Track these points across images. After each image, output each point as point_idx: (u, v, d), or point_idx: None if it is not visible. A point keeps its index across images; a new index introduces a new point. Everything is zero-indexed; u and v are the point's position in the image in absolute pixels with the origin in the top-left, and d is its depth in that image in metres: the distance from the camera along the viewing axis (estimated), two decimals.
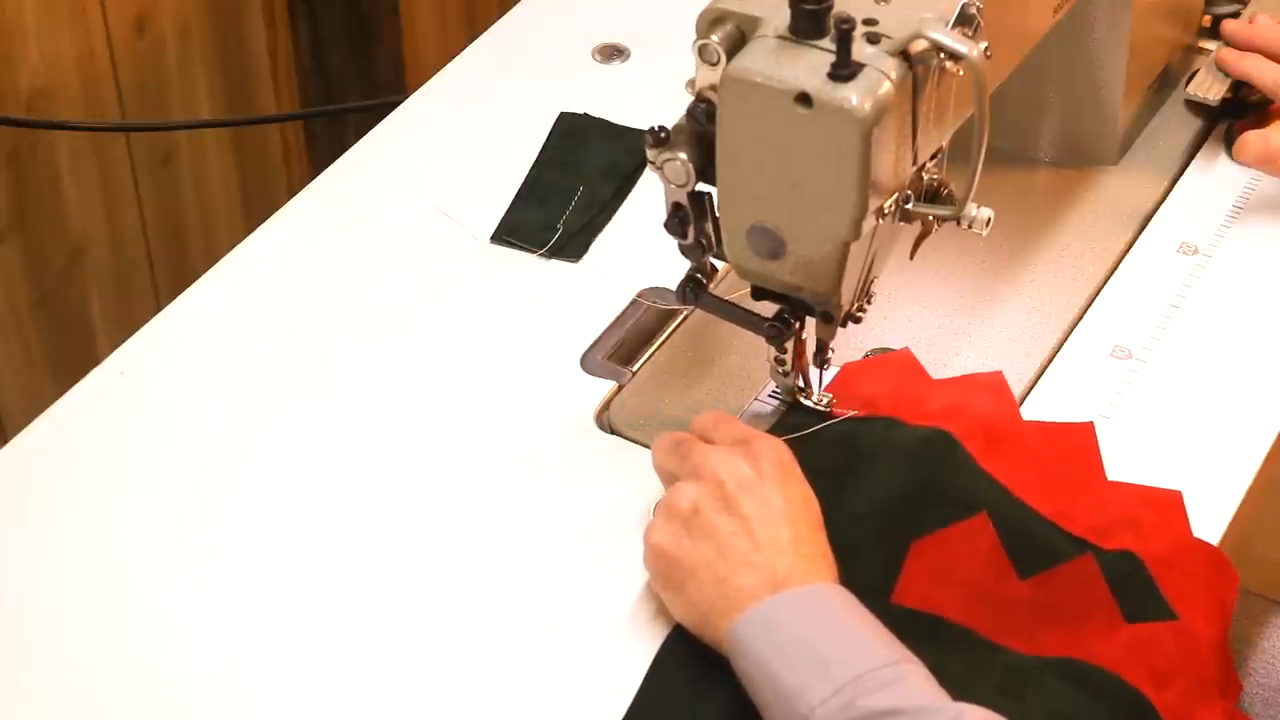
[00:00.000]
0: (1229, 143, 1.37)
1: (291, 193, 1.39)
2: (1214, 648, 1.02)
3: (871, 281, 1.08)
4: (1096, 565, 1.04)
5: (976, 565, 1.04)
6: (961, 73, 0.99)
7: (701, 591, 1.00)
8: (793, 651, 0.95)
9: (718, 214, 1.06)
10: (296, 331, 1.26)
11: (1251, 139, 1.31)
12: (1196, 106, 1.41)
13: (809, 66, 0.96)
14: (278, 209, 1.36)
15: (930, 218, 1.06)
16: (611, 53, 1.51)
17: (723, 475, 1.02)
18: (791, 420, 1.13)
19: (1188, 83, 1.41)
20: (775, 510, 1.01)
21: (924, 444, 1.09)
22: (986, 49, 0.98)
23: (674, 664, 1.02)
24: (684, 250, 1.09)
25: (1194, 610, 1.02)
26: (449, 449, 1.16)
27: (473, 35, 1.54)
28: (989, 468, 1.08)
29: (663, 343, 1.24)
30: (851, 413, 1.13)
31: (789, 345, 1.10)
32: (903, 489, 1.06)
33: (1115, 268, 1.29)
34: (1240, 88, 1.42)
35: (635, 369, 1.22)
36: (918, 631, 0.98)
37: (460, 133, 1.43)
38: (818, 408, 1.13)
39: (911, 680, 0.93)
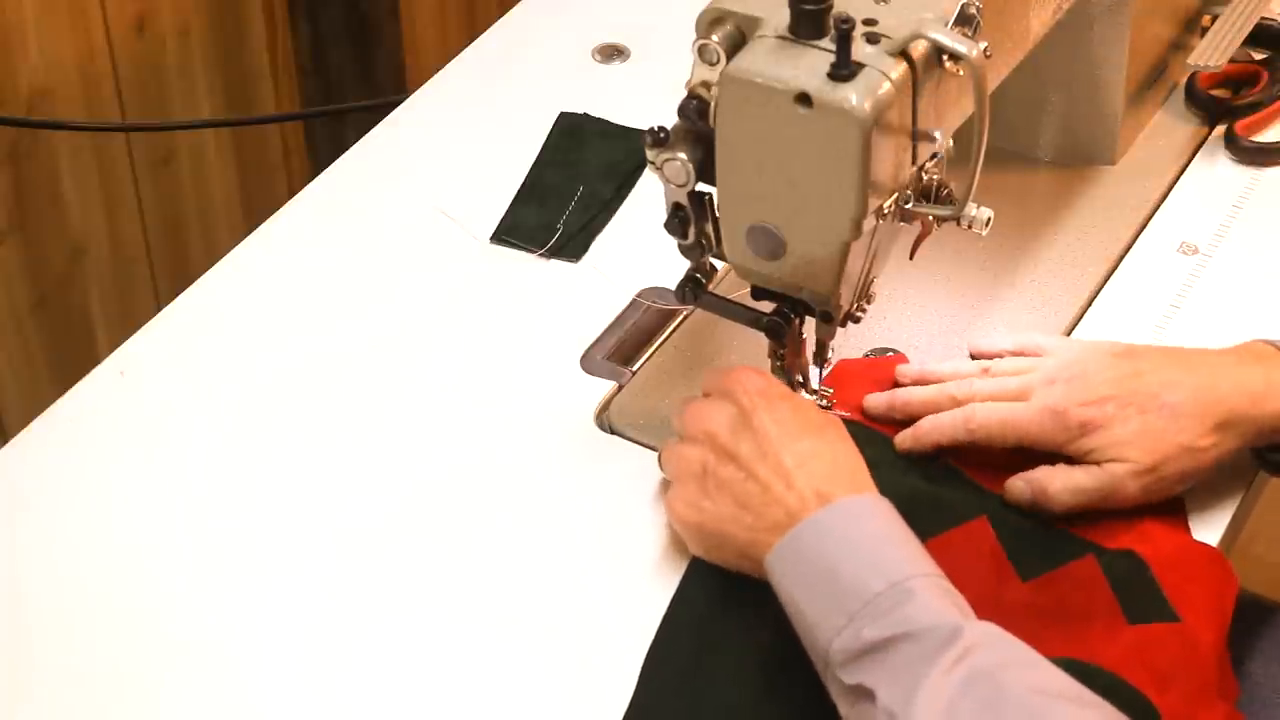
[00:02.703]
0: (1229, 143, 1.37)
1: (291, 193, 1.39)
2: (1214, 650, 1.02)
3: (871, 281, 1.08)
4: (1098, 566, 1.04)
5: (978, 568, 1.04)
6: (961, 73, 0.99)
7: (740, 546, 1.02)
8: (812, 585, 0.96)
9: (717, 214, 1.06)
10: (296, 332, 1.26)
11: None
12: (1196, 106, 1.41)
13: (809, 66, 0.96)
14: (278, 209, 1.36)
15: (930, 218, 1.06)
16: (611, 53, 1.51)
17: (713, 427, 1.04)
18: None
19: (1188, 82, 1.41)
20: (771, 439, 1.02)
21: (917, 462, 1.10)
22: (986, 49, 0.98)
23: (685, 615, 1.04)
24: (684, 250, 1.09)
25: (1195, 612, 1.02)
26: (449, 449, 1.16)
27: (473, 35, 1.54)
28: (985, 485, 1.09)
29: (663, 343, 1.24)
30: (847, 414, 1.13)
31: (789, 340, 1.10)
32: (901, 494, 1.06)
33: (1115, 268, 1.29)
34: (1240, 87, 1.42)
35: (635, 369, 1.21)
36: None
37: (460, 133, 1.43)
38: (817, 405, 1.13)
39: (918, 598, 0.93)
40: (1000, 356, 1.15)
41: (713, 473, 1.03)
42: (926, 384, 1.14)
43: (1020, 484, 1.08)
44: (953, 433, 1.10)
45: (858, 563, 0.95)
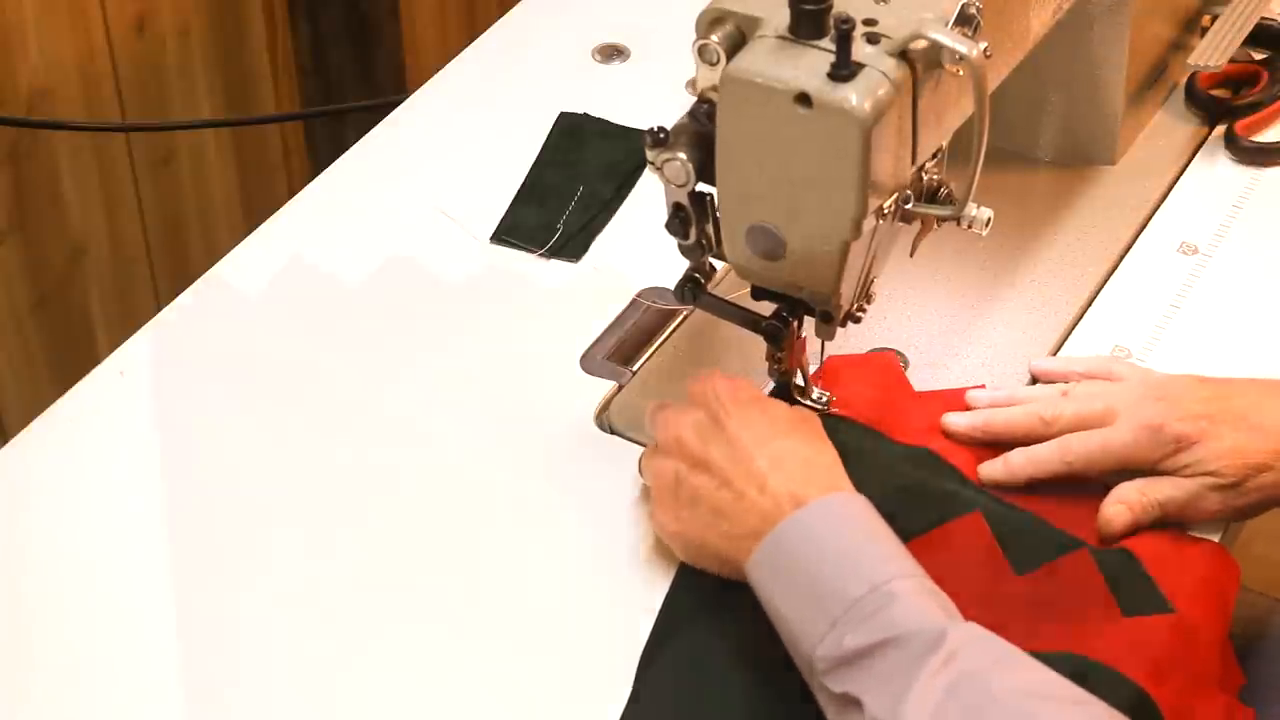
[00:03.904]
0: (1229, 143, 1.37)
1: (291, 193, 1.39)
2: (1214, 641, 1.02)
3: (871, 281, 1.08)
4: (1092, 559, 1.04)
5: (972, 563, 1.04)
6: (961, 73, 0.99)
7: (720, 553, 1.01)
8: (792, 590, 0.96)
9: (718, 214, 1.06)
10: (296, 331, 1.26)
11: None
12: (1196, 106, 1.41)
13: (809, 66, 0.96)
14: (278, 209, 1.36)
15: (930, 217, 1.06)
16: (611, 53, 1.51)
17: (683, 435, 1.04)
18: None
19: (1188, 82, 1.41)
20: (743, 444, 1.01)
21: (910, 457, 1.10)
22: (986, 49, 0.98)
23: (684, 604, 1.04)
24: (684, 250, 1.10)
25: (1192, 604, 1.02)
26: (449, 449, 1.16)
27: (473, 35, 1.54)
28: (975, 479, 1.09)
29: (663, 343, 1.24)
30: (841, 413, 1.13)
31: (787, 343, 1.10)
32: (894, 491, 1.06)
33: (1115, 268, 1.29)
34: (1240, 87, 1.42)
35: (635, 369, 1.22)
36: None
37: (460, 133, 1.43)
38: (816, 405, 1.13)
39: (900, 601, 0.93)
40: (1068, 382, 1.14)
41: (685, 482, 1.03)
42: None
43: (1121, 507, 1.06)
44: (1049, 466, 1.08)
45: (836, 566, 0.95)
